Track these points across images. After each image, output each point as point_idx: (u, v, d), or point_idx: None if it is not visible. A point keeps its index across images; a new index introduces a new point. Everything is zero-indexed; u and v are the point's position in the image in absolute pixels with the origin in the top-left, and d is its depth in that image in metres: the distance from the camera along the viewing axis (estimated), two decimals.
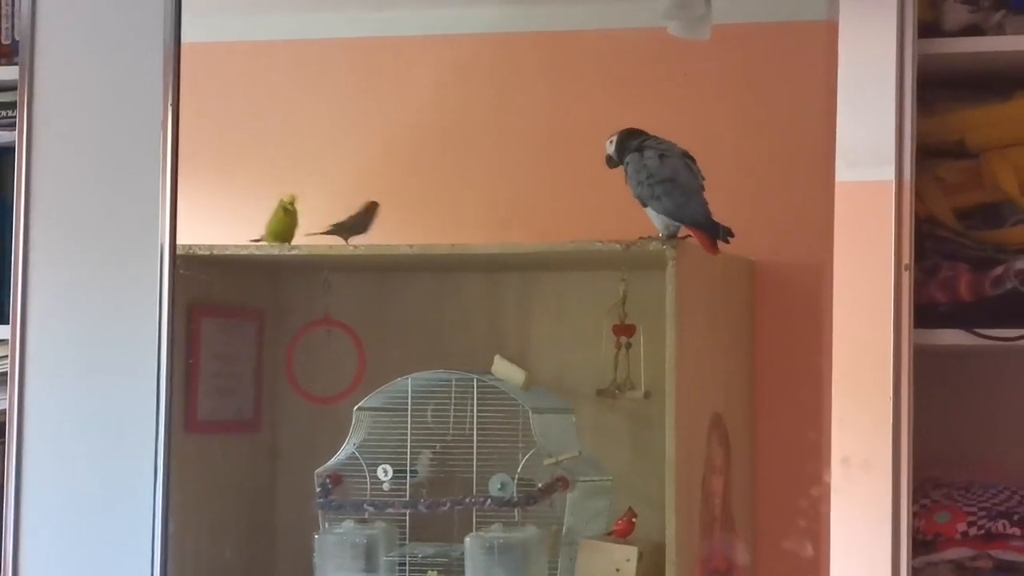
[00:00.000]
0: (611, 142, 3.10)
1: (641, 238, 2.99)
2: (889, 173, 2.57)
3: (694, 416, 3.00)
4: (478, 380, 3.13)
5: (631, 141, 3.08)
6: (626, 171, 3.07)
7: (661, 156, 3.04)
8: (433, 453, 3.17)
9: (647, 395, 3.14)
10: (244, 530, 3.34)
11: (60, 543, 2.75)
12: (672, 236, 3.01)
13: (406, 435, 3.16)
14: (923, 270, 2.65)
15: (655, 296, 2.98)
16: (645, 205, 3.04)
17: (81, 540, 2.75)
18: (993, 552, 2.66)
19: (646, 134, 3.08)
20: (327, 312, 3.35)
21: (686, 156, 3.05)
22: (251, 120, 3.47)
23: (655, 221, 3.02)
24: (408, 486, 3.15)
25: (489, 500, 3.10)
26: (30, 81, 2.78)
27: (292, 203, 3.26)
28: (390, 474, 3.15)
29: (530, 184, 3.35)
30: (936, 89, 2.68)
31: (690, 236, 3.01)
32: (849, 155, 2.60)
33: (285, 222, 3.26)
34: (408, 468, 3.15)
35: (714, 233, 2.99)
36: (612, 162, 3.11)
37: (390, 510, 3.14)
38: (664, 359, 2.94)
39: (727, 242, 3.03)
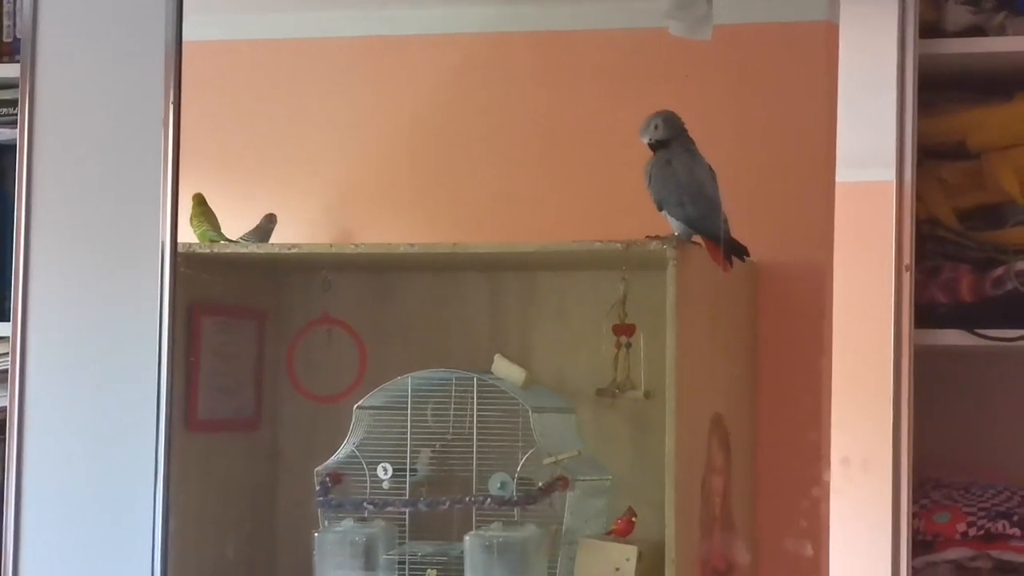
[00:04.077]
0: (655, 127, 3.05)
1: (648, 237, 2.98)
2: (890, 174, 2.58)
3: (694, 416, 3.00)
4: (478, 379, 3.13)
5: (674, 131, 3.04)
6: (649, 172, 3.06)
7: (690, 165, 3.03)
8: (433, 452, 3.17)
9: (647, 395, 3.14)
10: (244, 528, 3.34)
11: (60, 541, 2.75)
12: (686, 241, 3.00)
13: (406, 434, 3.15)
14: (924, 271, 2.65)
15: (656, 296, 2.97)
16: (661, 209, 3.03)
17: (81, 538, 2.75)
18: (993, 552, 2.67)
19: (683, 128, 3.06)
20: (328, 311, 3.35)
21: (710, 169, 3.04)
22: (252, 118, 3.47)
23: (673, 225, 3.03)
24: (408, 485, 3.15)
25: (489, 499, 3.10)
26: (31, 79, 2.77)
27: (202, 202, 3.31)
28: (390, 472, 3.15)
29: (530, 183, 3.35)
30: (937, 90, 2.68)
31: (699, 244, 3.01)
32: (850, 156, 2.61)
33: (200, 215, 3.30)
34: (408, 467, 3.15)
35: (731, 250, 2.99)
36: (660, 144, 3.05)
37: (390, 508, 3.14)
38: (664, 359, 2.94)
39: (743, 260, 3.03)
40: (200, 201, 3.30)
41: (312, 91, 3.47)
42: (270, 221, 3.34)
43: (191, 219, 3.27)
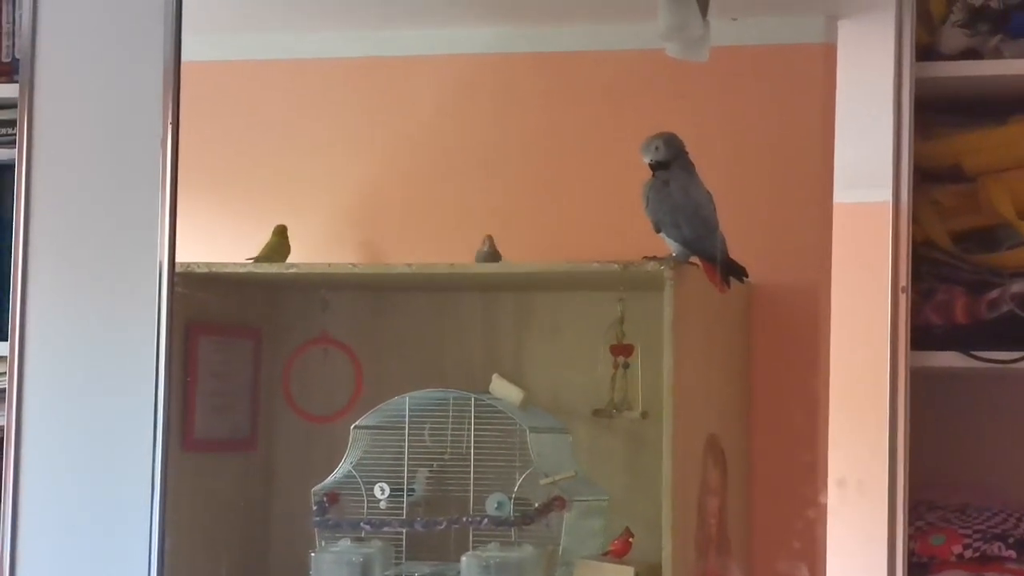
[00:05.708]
0: (656, 148, 3.07)
1: (645, 257, 2.99)
2: (886, 195, 2.58)
3: (690, 437, 3.00)
4: (476, 399, 3.13)
5: (674, 153, 3.06)
6: (646, 194, 3.07)
7: (686, 187, 3.04)
8: (430, 472, 3.17)
9: (644, 415, 3.14)
10: (240, 548, 3.34)
11: (57, 560, 2.75)
12: (683, 262, 3.01)
13: (403, 453, 3.16)
14: (919, 293, 2.66)
15: (653, 317, 2.98)
16: (659, 230, 3.04)
17: (78, 557, 2.74)
18: (988, 575, 2.67)
19: (683, 150, 3.07)
20: (324, 331, 3.36)
21: (707, 191, 3.05)
22: (250, 139, 3.48)
23: (670, 246, 3.04)
24: (405, 505, 3.15)
25: (486, 519, 3.10)
26: (30, 99, 2.78)
27: (284, 232, 3.31)
28: (387, 492, 3.15)
29: (528, 204, 3.36)
30: (933, 113, 2.69)
31: (696, 265, 3.02)
32: (847, 177, 2.62)
33: (277, 246, 3.30)
34: (405, 487, 3.15)
35: (728, 271, 3.00)
36: (660, 166, 3.07)
37: (387, 529, 3.14)
38: (661, 380, 2.94)
39: (741, 281, 3.04)
40: (280, 232, 3.30)
41: (311, 111, 3.48)
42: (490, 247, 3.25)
43: (266, 248, 3.29)
